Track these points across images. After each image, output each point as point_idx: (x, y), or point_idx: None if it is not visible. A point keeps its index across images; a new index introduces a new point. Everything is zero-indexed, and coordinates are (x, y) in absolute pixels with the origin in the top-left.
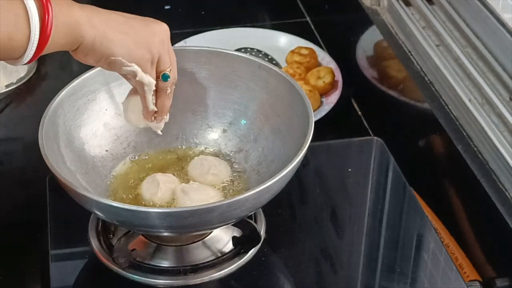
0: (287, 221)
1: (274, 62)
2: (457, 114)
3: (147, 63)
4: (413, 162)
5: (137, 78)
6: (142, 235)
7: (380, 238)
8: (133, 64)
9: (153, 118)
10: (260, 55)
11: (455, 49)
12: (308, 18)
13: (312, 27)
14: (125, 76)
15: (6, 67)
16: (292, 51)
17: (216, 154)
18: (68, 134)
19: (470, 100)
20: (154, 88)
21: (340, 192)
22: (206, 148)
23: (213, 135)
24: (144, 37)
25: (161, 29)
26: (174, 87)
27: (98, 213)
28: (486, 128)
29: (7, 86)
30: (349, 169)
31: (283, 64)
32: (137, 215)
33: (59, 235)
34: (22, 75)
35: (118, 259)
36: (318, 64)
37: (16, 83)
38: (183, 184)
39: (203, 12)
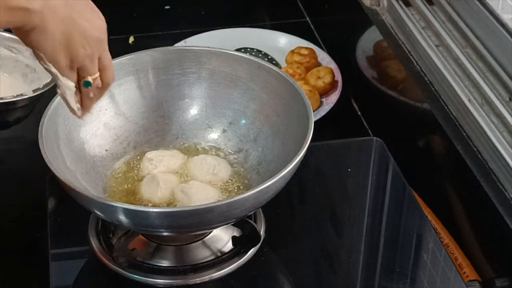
0: (287, 221)
1: (274, 62)
2: (457, 114)
3: (65, 68)
4: (413, 162)
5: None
6: (142, 234)
7: (380, 238)
8: (50, 65)
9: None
10: (260, 55)
11: (455, 50)
12: (308, 18)
13: (312, 27)
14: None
15: (27, 75)
16: (292, 51)
17: (216, 154)
18: (68, 134)
19: (469, 100)
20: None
21: (339, 192)
22: (206, 147)
23: (213, 135)
24: (75, 46)
25: (96, 39)
26: (106, 90)
27: (98, 212)
28: (486, 128)
29: (34, 90)
30: (349, 169)
31: (283, 64)
32: (137, 214)
33: (59, 235)
34: (42, 78)
35: (118, 258)
36: (318, 64)
37: (42, 88)
38: (183, 183)
39: (203, 12)
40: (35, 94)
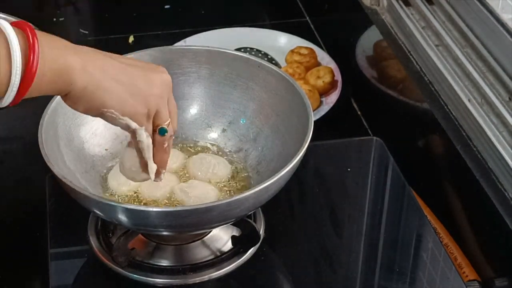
0: (286, 220)
1: (273, 61)
2: (456, 114)
3: (143, 117)
4: (412, 162)
5: (131, 131)
6: (142, 234)
7: (379, 238)
8: (126, 118)
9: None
10: (260, 54)
11: (455, 49)
12: (307, 18)
13: (312, 26)
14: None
15: None
16: (292, 51)
17: (216, 153)
18: (68, 133)
19: (469, 100)
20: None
21: (339, 191)
22: (205, 147)
23: (213, 135)
24: (141, 89)
25: (162, 81)
26: (172, 139)
27: (98, 212)
28: (485, 128)
29: None
30: (348, 169)
31: (282, 63)
32: (137, 214)
33: (59, 234)
34: None
35: (117, 258)
36: (318, 64)
37: None
38: (182, 183)
39: (203, 12)
40: None
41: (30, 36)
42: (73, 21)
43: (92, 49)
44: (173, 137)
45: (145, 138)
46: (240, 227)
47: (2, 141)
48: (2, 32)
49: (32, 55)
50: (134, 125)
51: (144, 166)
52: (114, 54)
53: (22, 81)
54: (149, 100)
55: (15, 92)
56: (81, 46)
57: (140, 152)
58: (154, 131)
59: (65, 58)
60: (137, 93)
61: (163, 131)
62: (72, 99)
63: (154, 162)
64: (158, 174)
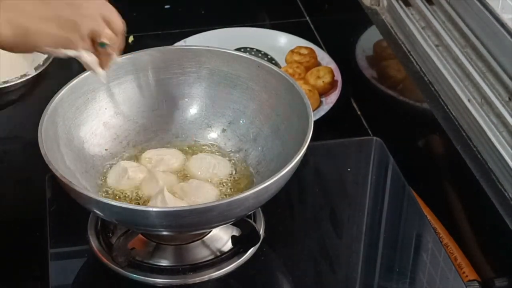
0: (286, 220)
1: (273, 61)
2: (456, 114)
3: (77, 43)
4: (412, 162)
5: (71, 55)
6: (142, 234)
7: (379, 238)
8: (60, 49)
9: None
10: (260, 54)
11: (455, 49)
12: (307, 18)
13: (312, 26)
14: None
15: (15, 59)
16: (292, 51)
17: (216, 153)
18: (68, 133)
19: (469, 100)
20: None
21: (339, 191)
22: (205, 147)
23: (213, 134)
24: (67, 18)
25: (91, 4)
26: (120, 37)
27: (97, 212)
28: (485, 128)
29: (36, 68)
30: (348, 169)
31: (282, 63)
32: (136, 214)
33: (58, 234)
34: (36, 59)
35: (117, 258)
36: (318, 64)
37: (43, 64)
38: (182, 182)
39: (203, 12)
40: (38, 72)
41: None
42: None
43: None
44: (121, 35)
45: (88, 58)
46: (240, 227)
47: (2, 141)
48: None
49: None
50: (71, 53)
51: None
52: None
53: None
54: (79, 26)
55: None
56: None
57: (87, 67)
58: (94, 46)
59: None
60: (64, 24)
61: (102, 45)
62: (7, 47)
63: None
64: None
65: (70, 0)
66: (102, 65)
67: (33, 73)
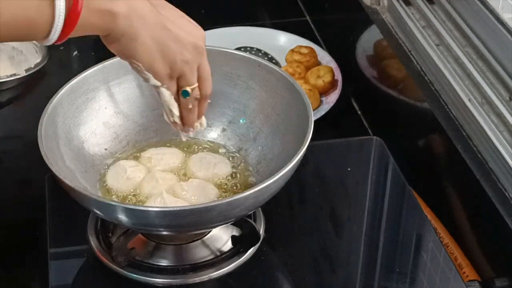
0: (286, 220)
1: (274, 61)
2: (457, 113)
3: (165, 77)
4: (413, 161)
5: (153, 86)
6: (141, 233)
7: (379, 238)
8: (149, 74)
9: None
10: (260, 54)
11: (455, 49)
12: (308, 17)
13: (312, 26)
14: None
15: (14, 57)
16: (292, 50)
17: (216, 153)
18: (67, 133)
19: (469, 100)
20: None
21: (339, 191)
22: (205, 146)
23: (213, 134)
24: (171, 51)
25: (194, 47)
26: (207, 101)
27: (97, 211)
28: (486, 128)
29: (26, 70)
30: (349, 169)
31: (282, 63)
32: (136, 214)
33: (58, 234)
34: (31, 60)
35: (117, 257)
36: (318, 63)
37: (34, 67)
38: (182, 182)
39: (203, 11)
40: (28, 73)
41: None
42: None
43: None
44: (208, 101)
45: (168, 98)
46: (240, 227)
47: (2, 141)
48: None
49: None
50: (154, 82)
51: (169, 120)
52: (161, 2)
53: (67, 20)
54: (175, 63)
55: (58, 34)
56: None
57: (162, 106)
58: (178, 91)
59: (110, 2)
60: (167, 54)
61: (184, 93)
62: (108, 41)
63: (181, 120)
64: (186, 131)
65: (180, 35)
66: (182, 119)
67: (23, 74)
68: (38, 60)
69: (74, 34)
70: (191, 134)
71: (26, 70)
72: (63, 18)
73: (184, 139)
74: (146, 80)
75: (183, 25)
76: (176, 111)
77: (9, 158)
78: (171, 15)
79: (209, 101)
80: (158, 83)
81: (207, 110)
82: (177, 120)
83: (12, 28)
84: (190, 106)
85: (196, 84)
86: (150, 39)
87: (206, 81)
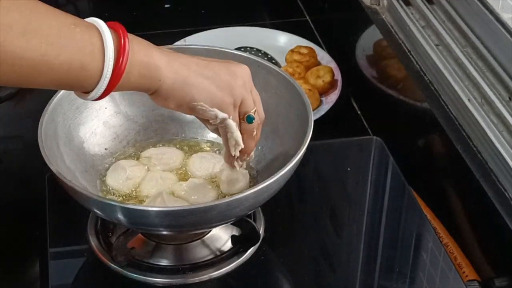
0: (286, 220)
1: (273, 61)
2: (457, 113)
3: (230, 107)
4: (412, 161)
5: (219, 122)
6: (141, 233)
7: (379, 238)
8: (215, 109)
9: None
10: (260, 54)
11: (455, 49)
12: (307, 17)
13: (312, 26)
14: (205, 121)
15: None
16: (292, 50)
17: (215, 152)
18: (68, 133)
19: (469, 100)
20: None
21: (339, 191)
22: (205, 146)
23: (213, 134)
24: (225, 80)
25: (242, 71)
26: (261, 127)
27: (97, 211)
28: (486, 128)
29: None
30: (348, 169)
31: (282, 63)
32: (136, 213)
33: (58, 233)
34: None
35: (117, 257)
36: (318, 63)
37: None
38: (182, 181)
39: (203, 11)
40: None
41: (122, 35)
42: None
43: (173, 51)
44: (261, 125)
45: (235, 129)
46: (240, 227)
47: (1, 141)
48: (98, 30)
49: (122, 52)
50: (222, 115)
51: (228, 158)
52: (193, 55)
53: (113, 73)
54: (234, 90)
55: (106, 84)
56: (163, 47)
57: (226, 142)
58: (241, 119)
59: (152, 56)
60: (223, 84)
61: (250, 119)
62: (162, 95)
63: (242, 150)
64: (242, 161)
65: (226, 66)
66: (246, 149)
67: None
68: None
69: (118, 87)
70: (244, 164)
71: None
72: (112, 65)
73: (238, 168)
74: (214, 118)
75: (221, 61)
76: (241, 141)
77: (9, 158)
78: (206, 58)
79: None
80: (225, 115)
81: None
82: (238, 152)
83: (64, 72)
84: (255, 133)
85: (255, 108)
86: (200, 77)
87: (259, 104)
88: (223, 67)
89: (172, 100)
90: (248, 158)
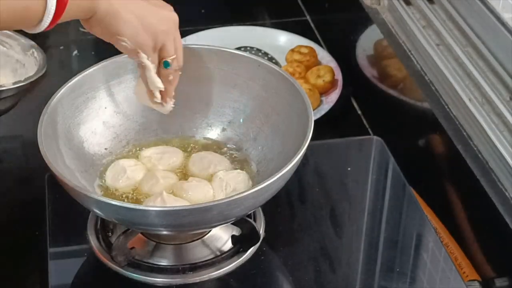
0: (286, 220)
1: (274, 60)
2: (457, 113)
3: (149, 49)
4: (413, 161)
5: (138, 60)
6: (141, 233)
7: (379, 238)
8: (135, 49)
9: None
10: (260, 53)
11: (455, 49)
12: (308, 17)
13: (312, 25)
14: (128, 54)
15: (17, 70)
16: (292, 50)
17: (216, 152)
18: (67, 132)
19: (470, 100)
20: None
21: (339, 191)
22: (205, 146)
23: (213, 134)
24: (152, 24)
25: (170, 18)
26: (179, 73)
27: (97, 211)
28: (486, 128)
29: (14, 83)
30: (349, 168)
31: (283, 62)
32: (136, 213)
33: (58, 233)
34: (30, 73)
35: (116, 257)
36: (318, 63)
37: (24, 81)
38: (182, 181)
39: (203, 11)
40: (15, 86)
41: None
42: (73, 20)
43: None
44: (179, 72)
45: (151, 70)
46: (240, 227)
47: (1, 140)
48: None
49: None
50: (142, 55)
51: (150, 94)
52: None
53: (56, 9)
54: (157, 35)
55: (50, 19)
56: None
57: (145, 79)
58: (159, 63)
59: None
60: (149, 27)
61: (166, 64)
62: (92, 23)
63: (162, 92)
64: (165, 106)
65: (157, 9)
66: (166, 92)
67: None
68: (31, 74)
69: (62, 19)
70: (168, 107)
71: (14, 83)
72: (55, 3)
73: (166, 113)
74: (134, 55)
75: (155, 1)
76: (160, 84)
77: (9, 158)
78: None
79: (180, 72)
80: (145, 56)
81: (207, 110)
82: (158, 95)
83: (10, 16)
84: (171, 78)
85: (175, 56)
86: (130, 14)
87: (180, 52)
88: (154, 10)
89: (99, 28)
90: (170, 102)
